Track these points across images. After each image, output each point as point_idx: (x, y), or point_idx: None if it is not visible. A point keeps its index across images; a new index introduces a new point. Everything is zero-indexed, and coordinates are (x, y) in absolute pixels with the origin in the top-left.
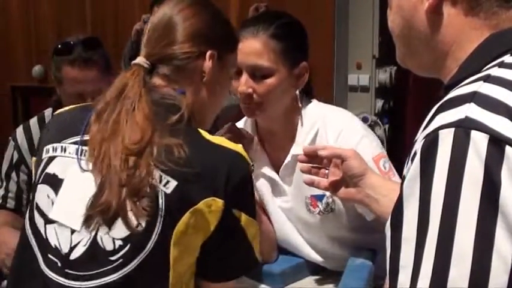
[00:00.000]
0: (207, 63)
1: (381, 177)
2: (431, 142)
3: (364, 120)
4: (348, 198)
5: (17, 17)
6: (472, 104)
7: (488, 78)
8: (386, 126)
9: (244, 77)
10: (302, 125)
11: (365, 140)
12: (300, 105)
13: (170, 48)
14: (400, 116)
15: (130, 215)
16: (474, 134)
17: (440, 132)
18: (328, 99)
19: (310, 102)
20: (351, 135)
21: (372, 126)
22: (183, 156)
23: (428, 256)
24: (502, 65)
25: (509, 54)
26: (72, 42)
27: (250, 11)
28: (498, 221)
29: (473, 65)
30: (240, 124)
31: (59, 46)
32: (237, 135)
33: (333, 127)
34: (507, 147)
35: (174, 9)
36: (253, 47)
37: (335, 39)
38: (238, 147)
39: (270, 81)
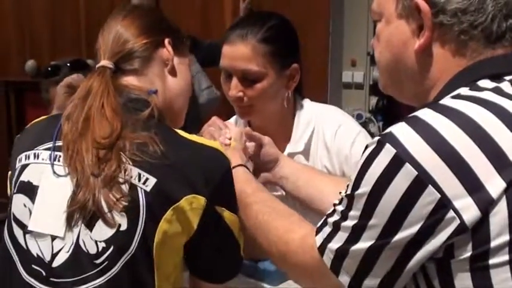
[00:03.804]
0: (167, 49)
1: (292, 161)
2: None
3: (359, 117)
4: (265, 182)
5: (10, 11)
6: (403, 123)
7: (432, 106)
8: (381, 124)
9: (234, 81)
10: (297, 124)
11: (362, 135)
12: (294, 104)
13: (129, 44)
14: (394, 113)
15: (106, 208)
16: (386, 147)
17: (372, 141)
18: (322, 96)
19: (304, 101)
20: (348, 131)
21: (366, 124)
22: (158, 152)
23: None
24: (455, 96)
25: (468, 88)
26: (58, 65)
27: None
28: (372, 219)
29: (438, 98)
30: (231, 122)
31: (48, 69)
32: (254, 139)
33: (329, 124)
34: (406, 165)
35: (116, 19)
36: (242, 52)
37: (330, 36)
38: (216, 144)
39: (260, 85)
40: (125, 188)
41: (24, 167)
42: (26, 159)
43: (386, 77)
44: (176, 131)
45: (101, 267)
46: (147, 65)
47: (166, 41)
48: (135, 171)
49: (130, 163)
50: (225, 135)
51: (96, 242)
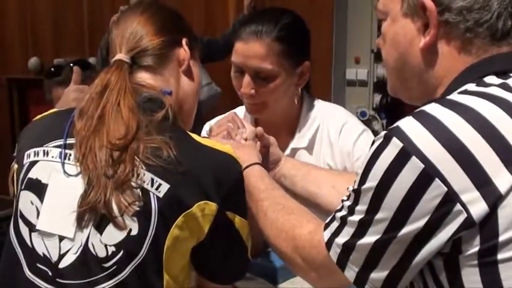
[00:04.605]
0: (184, 49)
1: (292, 159)
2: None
3: (362, 114)
4: None
5: (14, 9)
6: (411, 118)
7: (440, 101)
8: (384, 121)
9: (247, 78)
10: (303, 120)
11: (365, 134)
12: (301, 101)
13: (145, 41)
14: (397, 110)
15: (117, 212)
16: (393, 140)
17: (379, 135)
18: (326, 94)
19: (311, 98)
20: (352, 129)
21: (369, 121)
22: (172, 157)
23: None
24: (463, 92)
25: (475, 84)
26: (61, 65)
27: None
28: (379, 213)
29: (444, 95)
30: (238, 113)
31: (51, 69)
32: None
33: (334, 122)
34: (413, 158)
35: (134, 14)
36: (256, 51)
37: (334, 33)
38: (229, 149)
39: (273, 84)
40: (137, 192)
41: (32, 163)
42: (34, 155)
43: (394, 77)
44: (190, 134)
45: (109, 271)
46: (163, 63)
47: (184, 40)
48: (148, 176)
49: (144, 167)
50: (241, 135)
51: (105, 245)
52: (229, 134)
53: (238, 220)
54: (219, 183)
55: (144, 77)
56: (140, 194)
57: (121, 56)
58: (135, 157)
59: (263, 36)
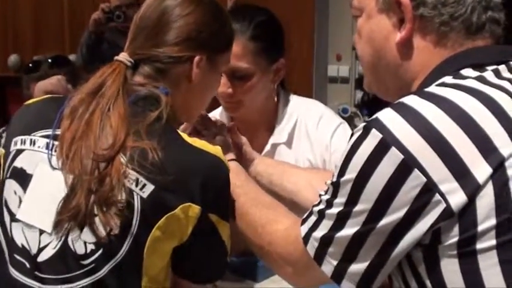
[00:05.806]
0: (195, 70)
1: (266, 158)
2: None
3: (344, 111)
4: None
5: None
6: (390, 109)
7: (418, 93)
8: (366, 118)
9: (224, 78)
10: (281, 115)
11: (342, 127)
12: (278, 97)
13: (157, 50)
14: (379, 107)
15: (98, 223)
16: (372, 132)
17: (358, 127)
18: (307, 90)
19: (287, 94)
20: (329, 122)
21: (351, 118)
22: (157, 161)
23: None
24: (440, 84)
25: (452, 76)
26: (39, 61)
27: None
28: (358, 205)
29: (422, 87)
30: (215, 114)
31: (29, 65)
32: (207, 123)
33: (311, 115)
34: (392, 149)
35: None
36: (232, 50)
37: (315, 30)
38: (218, 151)
39: (249, 82)
40: (118, 198)
41: (19, 152)
42: (21, 143)
43: (369, 73)
44: (181, 134)
45: (87, 268)
46: (167, 74)
47: (196, 59)
48: (133, 175)
49: (130, 167)
50: (212, 132)
51: (85, 242)
52: (195, 129)
53: (220, 222)
54: (205, 186)
55: (142, 81)
56: (124, 194)
57: (123, 57)
58: (122, 158)
59: (238, 35)
